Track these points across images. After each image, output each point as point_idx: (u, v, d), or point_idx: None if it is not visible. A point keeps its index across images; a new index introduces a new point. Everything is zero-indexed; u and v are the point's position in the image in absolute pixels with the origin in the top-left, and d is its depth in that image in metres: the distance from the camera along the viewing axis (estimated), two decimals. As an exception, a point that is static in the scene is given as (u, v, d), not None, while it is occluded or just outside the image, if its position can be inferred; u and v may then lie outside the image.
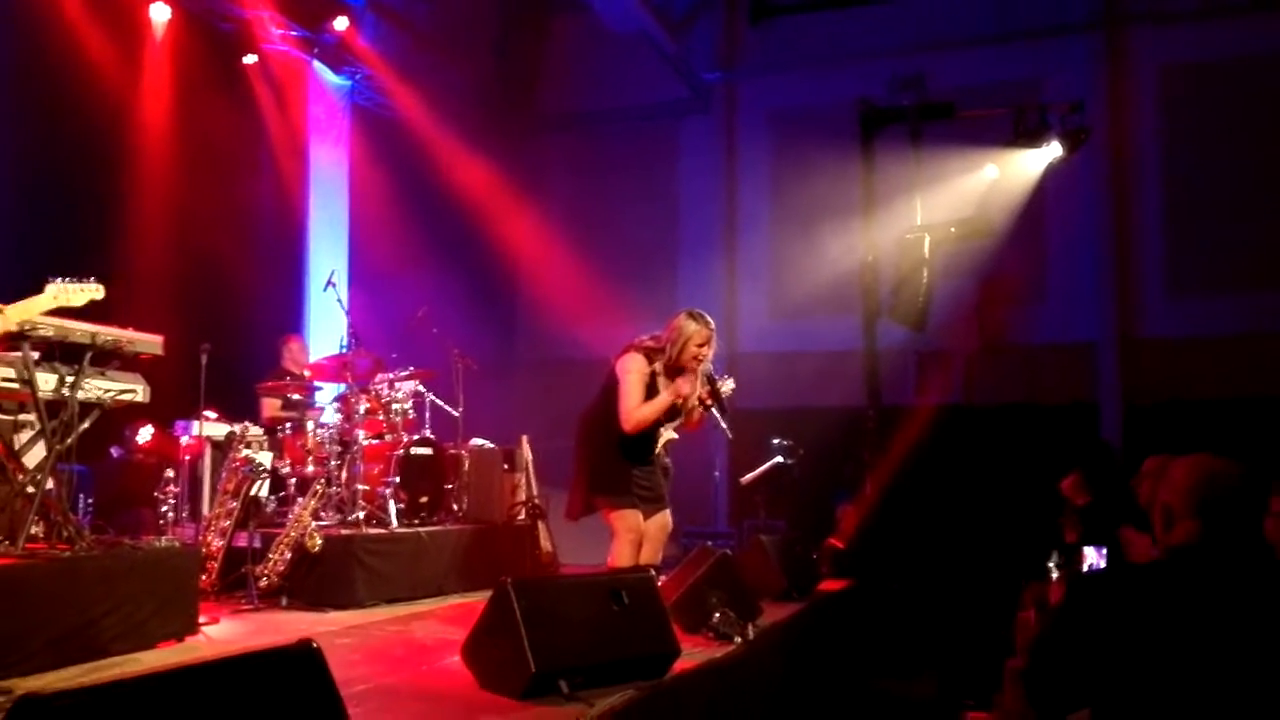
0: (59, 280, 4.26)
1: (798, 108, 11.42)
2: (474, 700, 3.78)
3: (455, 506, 7.51)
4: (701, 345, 4.86)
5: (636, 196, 11.82)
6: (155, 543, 5.12)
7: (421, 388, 7.54)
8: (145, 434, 7.20)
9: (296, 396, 7.38)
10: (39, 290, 4.46)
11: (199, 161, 8.20)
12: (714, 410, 4.96)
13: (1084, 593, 2.47)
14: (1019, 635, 5.20)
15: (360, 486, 6.67)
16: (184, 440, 6.75)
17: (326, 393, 7.81)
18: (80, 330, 4.65)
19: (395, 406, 7.13)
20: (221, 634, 4.95)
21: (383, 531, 6.48)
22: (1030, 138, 8.35)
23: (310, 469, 6.63)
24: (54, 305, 4.30)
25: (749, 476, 8.46)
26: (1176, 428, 8.83)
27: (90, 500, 6.02)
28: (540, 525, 7.54)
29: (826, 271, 10.32)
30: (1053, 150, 8.37)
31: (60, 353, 4.63)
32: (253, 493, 6.31)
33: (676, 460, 5.43)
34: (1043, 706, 2.45)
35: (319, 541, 5.86)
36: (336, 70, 9.81)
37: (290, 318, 9.15)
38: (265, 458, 6.57)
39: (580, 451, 5.04)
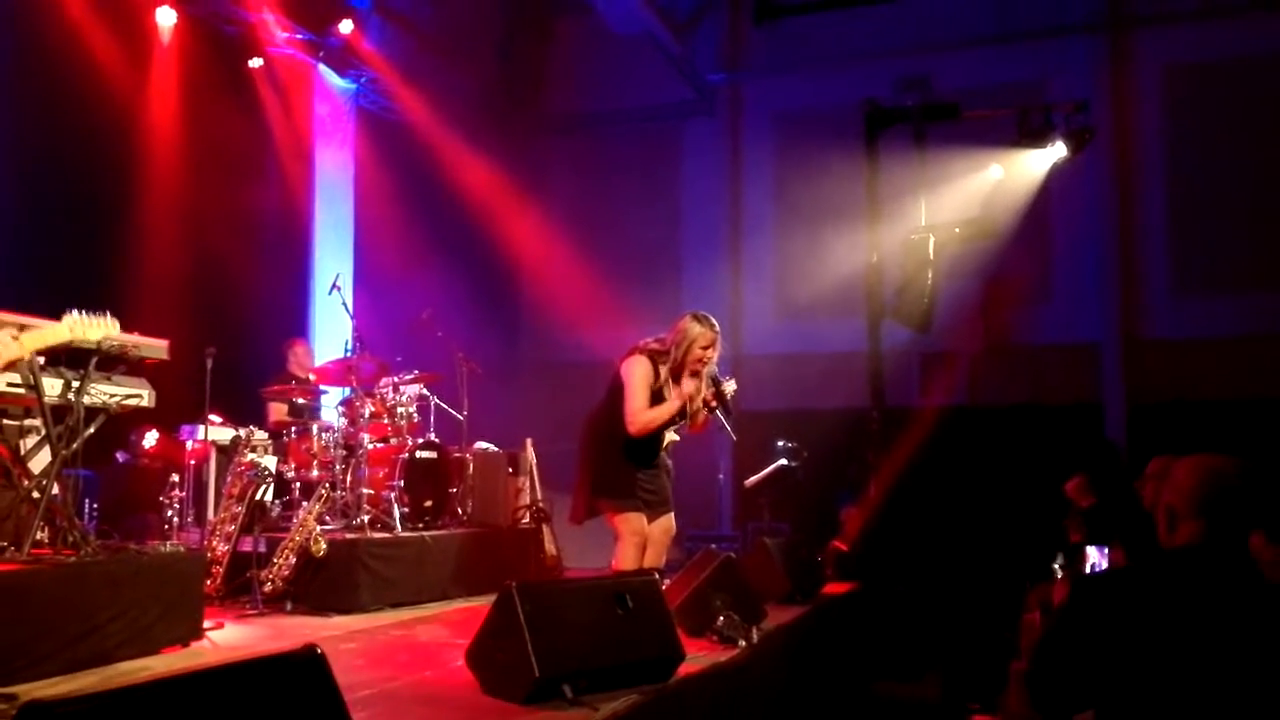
0: (75, 312, 4.26)
1: (802, 109, 11.42)
2: (478, 705, 3.78)
3: (460, 510, 7.52)
4: (706, 348, 4.86)
5: (641, 198, 11.82)
6: (160, 548, 5.13)
7: (426, 391, 7.55)
8: (150, 439, 7.21)
9: (301, 401, 7.39)
10: (45, 298, 4.47)
11: (204, 165, 8.22)
12: (719, 413, 4.96)
13: (1087, 594, 2.47)
14: (1024, 637, 5.20)
15: (365, 490, 6.68)
16: (189, 445, 6.77)
17: (331, 397, 7.82)
18: (86, 336, 4.65)
19: (400, 410, 7.13)
20: (226, 639, 4.96)
21: (387, 535, 6.48)
22: (1034, 138, 8.35)
23: (315, 473, 6.64)
24: (68, 338, 4.31)
25: (753, 479, 8.46)
26: (1181, 429, 8.81)
27: (95, 505, 6.03)
28: (544, 529, 7.54)
29: (831, 273, 10.31)
30: (1057, 151, 8.37)
31: (66, 357, 4.65)
32: (258, 497, 6.32)
33: (680, 463, 5.44)
34: (1046, 708, 2.45)
35: (324, 546, 5.87)
36: (341, 73, 9.83)
37: (295, 321, 9.17)
38: (270, 462, 6.58)
39: (584, 455, 5.04)
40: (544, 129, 12.37)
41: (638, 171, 12.01)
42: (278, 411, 7.54)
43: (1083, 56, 10.55)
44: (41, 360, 4.52)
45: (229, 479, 6.39)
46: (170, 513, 6.31)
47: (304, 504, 6.23)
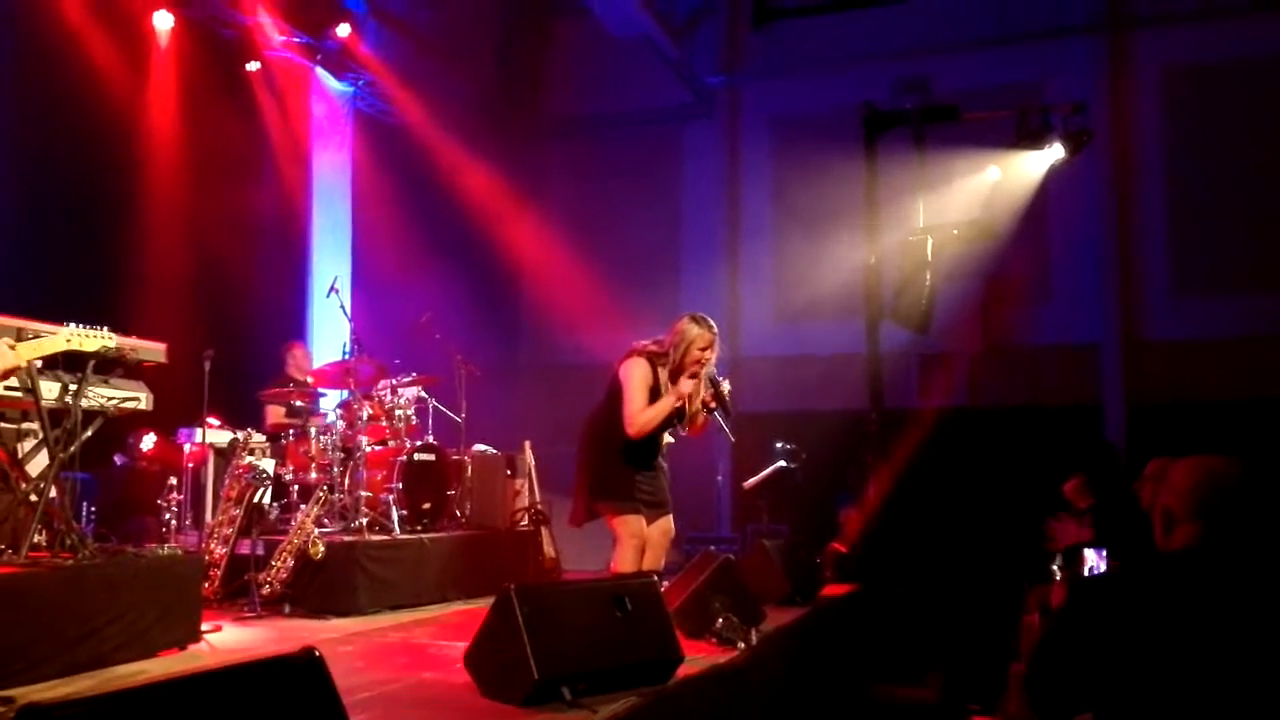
0: (73, 325, 4.26)
1: (801, 111, 11.43)
2: (477, 708, 3.77)
3: (458, 513, 7.52)
4: (704, 349, 4.85)
5: (639, 201, 11.82)
6: (158, 550, 5.12)
7: (424, 394, 7.55)
8: (148, 441, 7.21)
9: (299, 403, 7.38)
10: (44, 301, 4.47)
11: (202, 168, 8.22)
12: (718, 414, 4.95)
13: (1085, 596, 2.46)
14: (1024, 638, 5.19)
15: (363, 493, 6.68)
16: (187, 448, 6.76)
17: (330, 399, 7.81)
18: (83, 338, 4.64)
19: (398, 413, 7.13)
20: (224, 642, 4.95)
21: (385, 538, 6.48)
22: (1033, 140, 8.35)
23: (313, 475, 6.64)
24: (65, 349, 4.30)
25: (752, 481, 8.45)
26: (1180, 430, 8.80)
27: (93, 508, 6.02)
28: (543, 531, 7.54)
29: (829, 275, 10.31)
30: (1055, 152, 8.37)
31: (63, 360, 4.64)
32: (256, 500, 6.33)
33: (679, 465, 5.42)
34: (1045, 711, 2.44)
35: (322, 548, 5.86)
36: (339, 76, 9.83)
37: (293, 324, 9.16)
38: (268, 465, 6.58)
39: (583, 457, 5.03)
40: (542, 132, 12.38)
41: (636, 174, 12.01)
42: (276, 414, 7.53)
43: (1081, 58, 10.56)
44: (39, 363, 4.51)
45: (227, 482, 6.38)
46: (168, 515, 6.29)
47: (302, 506, 6.23)
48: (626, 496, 4.85)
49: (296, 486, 6.60)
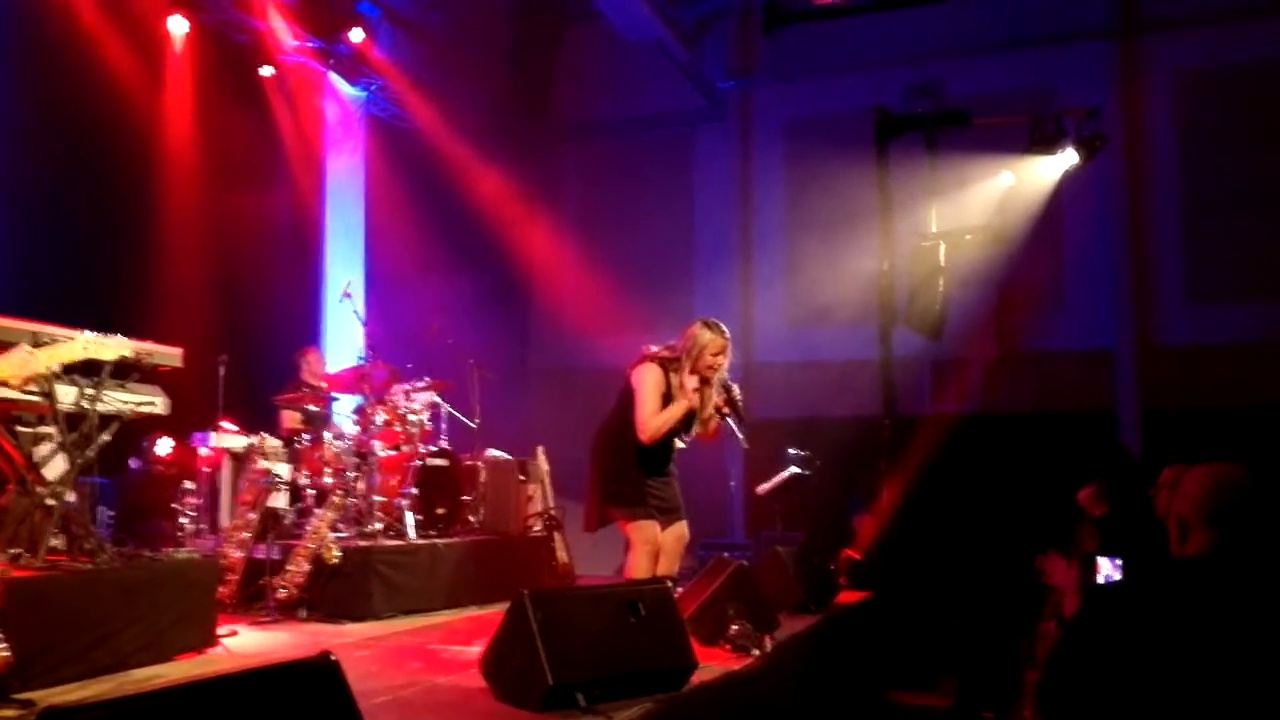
0: (89, 333, 4.29)
1: (812, 115, 11.41)
2: (492, 712, 3.78)
3: (471, 518, 7.53)
4: (717, 354, 4.86)
5: (651, 205, 11.83)
6: (174, 555, 5.16)
7: (438, 399, 7.57)
8: (164, 446, 7.25)
9: (314, 408, 7.41)
10: (63, 306, 4.49)
11: (216, 173, 8.26)
12: (730, 420, 4.95)
13: (1099, 605, 2.45)
14: (1039, 645, 5.17)
15: (377, 498, 6.70)
16: (203, 452, 6.79)
17: (344, 404, 7.84)
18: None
19: (412, 418, 7.15)
20: (241, 646, 4.97)
21: (400, 543, 6.49)
22: (1046, 144, 8.32)
23: (328, 480, 6.65)
24: (82, 357, 4.33)
25: (765, 487, 8.44)
26: (1195, 436, 8.76)
27: (110, 512, 6.06)
28: (556, 536, 7.55)
29: (842, 280, 10.29)
30: (1069, 157, 8.35)
31: (80, 365, 4.66)
32: (271, 504, 6.35)
33: (692, 471, 5.42)
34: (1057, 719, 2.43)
35: (337, 553, 5.88)
36: (352, 81, 9.87)
37: (307, 329, 9.20)
38: (283, 469, 6.60)
39: (595, 463, 5.03)
40: (554, 136, 12.40)
41: (648, 179, 12.01)
42: (290, 419, 7.56)
43: (1093, 62, 10.52)
44: (57, 369, 4.53)
45: (242, 486, 6.41)
46: (184, 520, 6.34)
47: (317, 511, 6.25)
48: (639, 502, 4.85)
49: (312, 491, 6.62)
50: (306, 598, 5.89)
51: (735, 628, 4.93)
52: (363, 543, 6.29)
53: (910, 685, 6.49)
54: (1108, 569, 4.61)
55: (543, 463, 7.90)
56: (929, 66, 10.64)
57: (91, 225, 7.34)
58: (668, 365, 4.90)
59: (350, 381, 7.37)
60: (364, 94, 10.06)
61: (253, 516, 6.21)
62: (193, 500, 6.41)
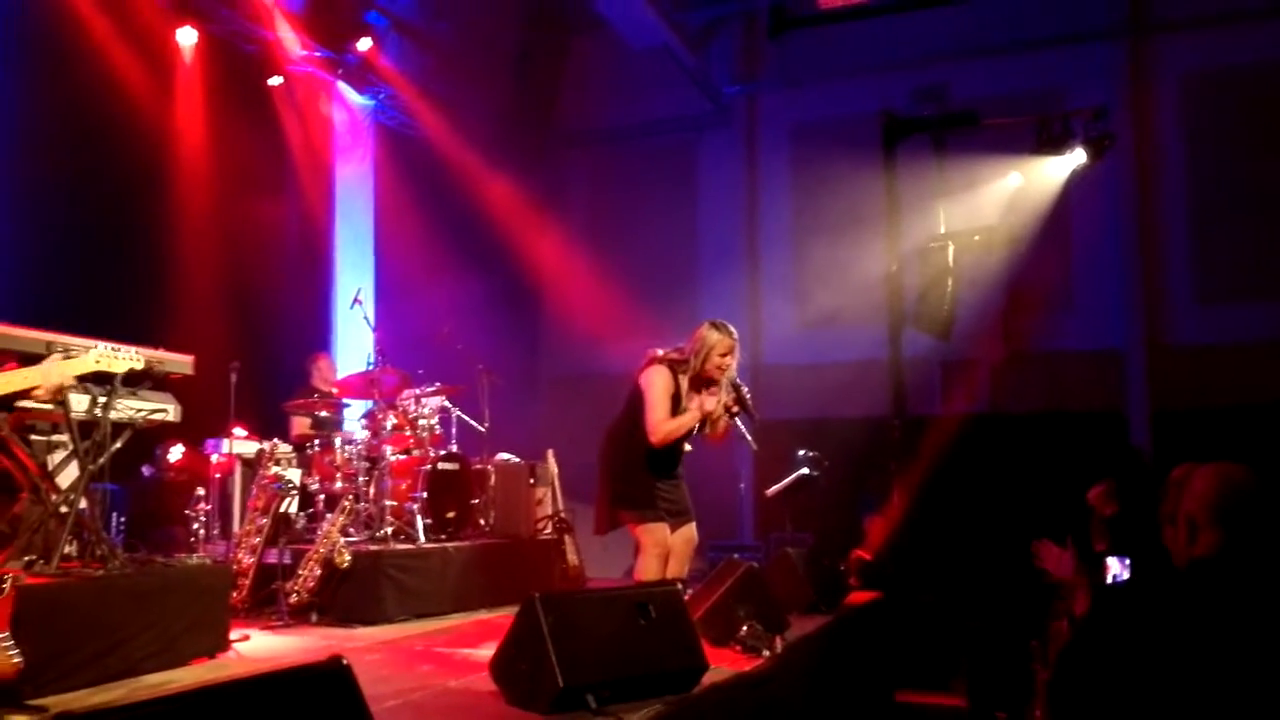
0: (102, 345, 4.33)
1: (819, 119, 11.42)
2: (503, 715, 3.79)
3: (482, 521, 7.55)
4: (725, 355, 4.87)
5: (658, 210, 11.85)
6: (187, 560, 5.18)
7: (448, 403, 7.59)
8: (176, 453, 7.29)
9: (325, 414, 7.44)
10: (76, 315, 4.52)
11: (226, 182, 8.31)
12: (740, 420, 4.96)
13: (1108, 605, 2.45)
14: (1051, 646, 5.16)
15: (388, 502, 6.72)
16: (214, 458, 6.83)
17: (354, 409, 7.87)
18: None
19: (422, 422, 7.18)
20: (253, 651, 4.99)
21: (410, 547, 6.51)
22: (1054, 145, 8.32)
23: (339, 485, 6.68)
24: (94, 369, 4.37)
25: (774, 488, 8.43)
26: (1205, 435, 8.73)
27: (123, 519, 6.09)
28: (566, 539, 7.56)
29: (851, 282, 10.29)
30: (1077, 158, 8.34)
31: (93, 374, 4.69)
32: (282, 509, 6.38)
33: (701, 473, 5.43)
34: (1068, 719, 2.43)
35: (348, 558, 5.90)
36: (360, 90, 9.92)
37: (317, 335, 9.24)
38: (294, 475, 6.62)
39: (604, 466, 5.05)
40: (561, 142, 12.44)
41: (655, 184, 12.04)
42: (301, 425, 7.59)
43: (1101, 63, 10.51)
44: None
45: (254, 492, 6.44)
46: (196, 525, 6.37)
47: (328, 516, 6.27)
48: (649, 505, 4.86)
49: (322, 496, 6.64)
50: (318, 602, 5.91)
51: (745, 629, 4.93)
52: (373, 547, 6.31)
53: (921, 685, 6.49)
54: (1116, 569, 4.61)
55: (552, 466, 7.92)
56: (935, 69, 10.64)
57: (104, 235, 7.39)
58: (676, 367, 4.92)
59: (361, 387, 7.40)
60: (372, 102, 10.11)
61: (264, 522, 6.23)
62: (204, 506, 6.44)
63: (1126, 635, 2.31)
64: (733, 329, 4.94)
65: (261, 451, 6.60)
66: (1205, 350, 9.96)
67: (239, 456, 6.83)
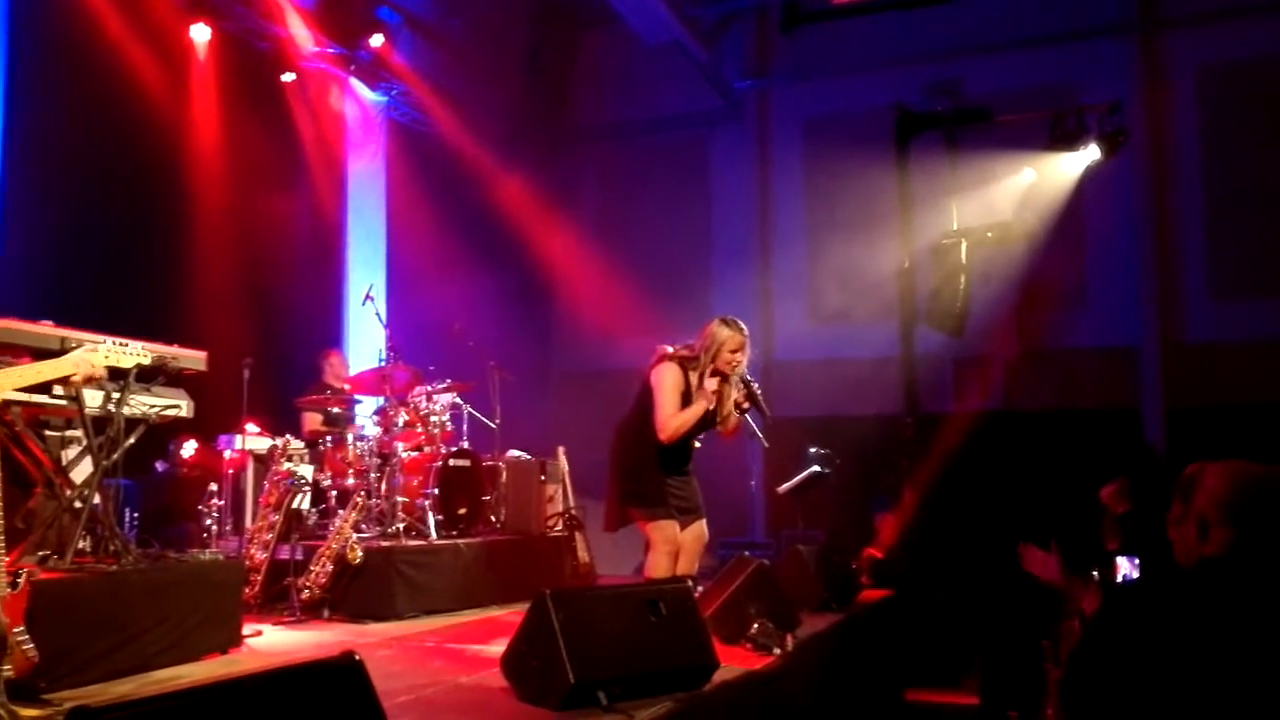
0: (110, 341, 4.35)
1: (831, 114, 11.39)
2: (513, 711, 3.79)
3: (493, 518, 7.56)
4: (735, 351, 4.86)
5: (670, 206, 11.84)
6: (199, 556, 5.21)
7: (459, 400, 7.60)
8: (189, 448, 7.32)
9: (337, 410, 7.46)
10: (89, 311, 4.54)
11: (240, 178, 8.34)
12: (751, 416, 4.96)
13: (1119, 604, 2.44)
14: (1063, 644, 5.14)
15: (400, 499, 6.74)
16: (227, 454, 6.85)
17: (366, 406, 7.89)
18: (125, 348, 4.71)
19: (433, 419, 7.19)
20: (265, 646, 5.01)
21: (422, 543, 6.52)
22: (1068, 141, 8.29)
23: (350, 481, 6.70)
24: (103, 364, 4.39)
25: (786, 486, 8.43)
26: (1220, 433, 8.68)
27: (136, 514, 6.11)
28: (577, 535, 7.57)
29: (863, 278, 10.26)
30: (1091, 153, 8.31)
31: (106, 370, 4.72)
32: (294, 505, 6.40)
33: (713, 470, 5.43)
34: (1080, 718, 2.42)
35: (360, 554, 5.92)
36: (373, 86, 9.93)
37: (330, 332, 9.26)
38: (306, 471, 6.65)
39: (615, 462, 5.04)
40: (573, 138, 12.43)
41: (667, 180, 12.02)
42: (313, 421, 7.61)
43: (1115, 58, 10.45)
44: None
45: (266, 488, 6.46)
46: (209, 521, 6.40)
47: (340, 512, 6.29)
48: (659, 501, 4.86)
49: (334, 492, 6.66)
50: (330, 598, 5.92)
51: (756, 626, 4.92)
52: (385, 543, 6.33)
53: (933, 683, 6.48)
54: (1126, 568, 4.59)
55: (563, 463, 7.92)
56: (948, 64, 10.59)
57: (118, 231, 7.42)
58: (687, 364, 4.91)
59: (372, 383, 7.42)
60: (384, 99, 10.12)
61: (276, 518, 6.25)
62: (217, 502, 6.47)
63: (1137, 634, 2.30)
64: (743, 325, 4.93)
65: (274, 447, 6.62)
66: (1221, 347, 9.89)
67: (251, 452, 6.85)
